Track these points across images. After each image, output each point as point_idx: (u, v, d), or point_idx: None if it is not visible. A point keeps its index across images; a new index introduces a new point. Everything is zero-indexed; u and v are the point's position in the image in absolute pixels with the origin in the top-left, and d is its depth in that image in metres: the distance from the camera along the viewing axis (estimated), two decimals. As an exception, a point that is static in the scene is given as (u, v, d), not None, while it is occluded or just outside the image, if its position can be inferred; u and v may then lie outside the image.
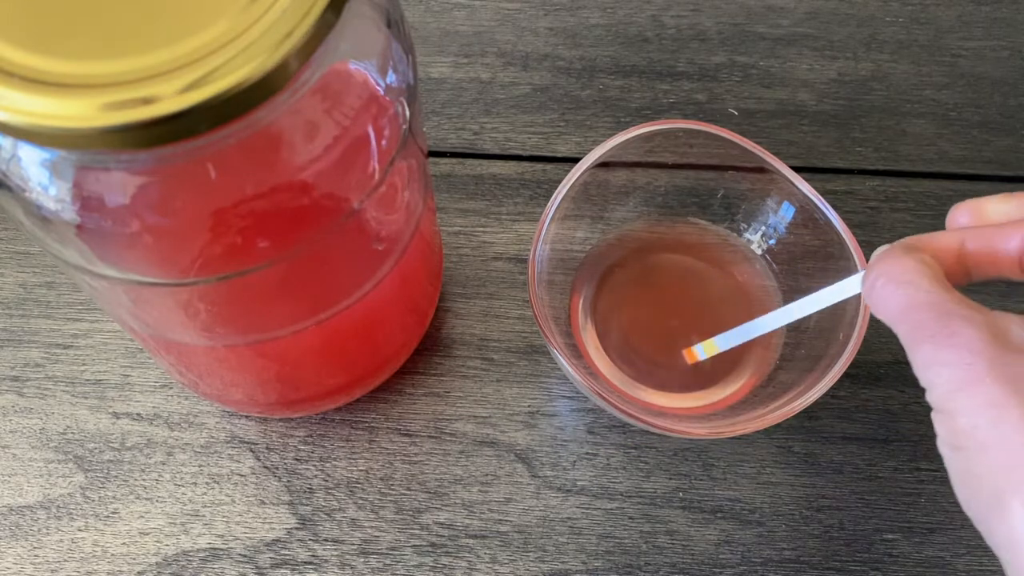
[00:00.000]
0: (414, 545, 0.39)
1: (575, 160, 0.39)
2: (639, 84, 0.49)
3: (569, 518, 0.39)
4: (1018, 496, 0.21)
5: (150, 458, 0.40)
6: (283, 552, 0.39)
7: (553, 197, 0.38)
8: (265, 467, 0.40)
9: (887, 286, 0.26)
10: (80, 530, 0.39)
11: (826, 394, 0.35)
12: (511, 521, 0.39)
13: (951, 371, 0.23)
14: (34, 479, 0.40)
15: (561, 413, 0.41)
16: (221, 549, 0.39)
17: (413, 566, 0.38)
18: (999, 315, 0.24)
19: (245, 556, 0.39)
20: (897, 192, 0.46)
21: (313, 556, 0.39)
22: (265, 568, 0.38)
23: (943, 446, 0.24)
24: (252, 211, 0.25)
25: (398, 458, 0.40)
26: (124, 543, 0.39)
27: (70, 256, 0.26)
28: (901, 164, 0.47)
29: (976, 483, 0.23)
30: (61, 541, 0.39)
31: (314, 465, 0.40)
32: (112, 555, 0.39)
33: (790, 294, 0.41)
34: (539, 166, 0.47)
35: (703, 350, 0.38)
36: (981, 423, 0.22)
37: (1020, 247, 0.26)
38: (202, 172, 0.24)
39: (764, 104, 0.49)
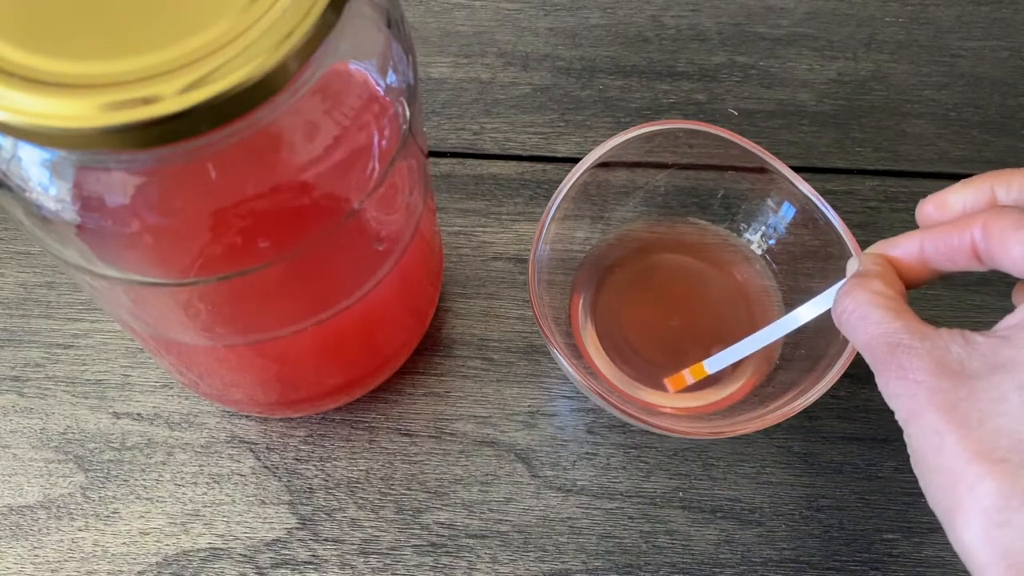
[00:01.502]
0: (414, 545, 0.39)
1: (575, 160, 0.39)
2: (639, 84, 0.49)
3: (569, 518, 0.39)
4: (960, 514, 0.23)
5: (150, 458, 0.40)
6: (283, 552, 0.39)
7: (553, 197, 0.38)
8: (265, 467, 0.40)
9: (849, 320, 0.28)
10: (80, 530, 0.39)
11: (826, 394, 0.35)
12: (511, 521, 0.39)
13: (901, 401, 0.25)
14: (34, 479, 0.40)
15: (561, 413, 0.41)
16: (221, 549, 0.39)
17: (413, 566, 0.38)
18: (941, 336, 0.25)
19: (245, 556, 0.39)
20: (897, 192, 0.46)
21: (313, 556, 0.39)
22: (265, 568, 0.38)
23: (912, 464, 0.26)
24: (252, 211, 0.25)
25: (398, 458, 0.40)
26: (124, 543, 0.39)
27: (70, 256, 0.26)
28: (901, 164, 0.47)
29: (934, 498, 0.25)
30: (61, 541, 0.39)
31: (314, 465, 0.40)
32: (112, 555, 0.39)
33: (790, 294, 0.41)
34: (539, 166, 0.47)
35: (690, 375, 0.38)
36: (927, 449, 0.24)
37: (971, 242, 0.27)
38: (202, 172, 0.24)
39: (764, 104, 0.49)
